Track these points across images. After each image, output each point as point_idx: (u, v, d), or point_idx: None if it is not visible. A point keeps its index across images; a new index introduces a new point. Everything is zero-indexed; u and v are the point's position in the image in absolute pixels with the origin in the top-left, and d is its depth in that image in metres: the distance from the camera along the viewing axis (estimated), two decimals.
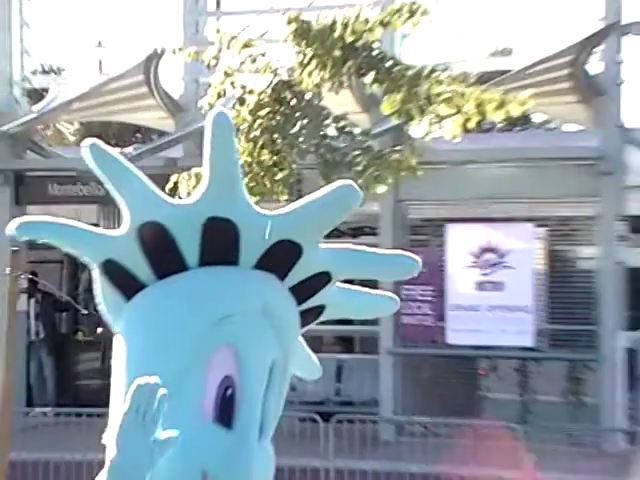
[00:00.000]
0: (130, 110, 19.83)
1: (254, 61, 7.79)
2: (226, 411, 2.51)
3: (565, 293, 17.50)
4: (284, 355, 2.65)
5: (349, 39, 7.64)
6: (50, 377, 20.64)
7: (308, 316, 2.75)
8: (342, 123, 8.32)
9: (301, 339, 2.84)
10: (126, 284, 2.63)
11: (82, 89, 19.84)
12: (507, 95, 8.65)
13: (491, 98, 8.08)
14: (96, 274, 2.65)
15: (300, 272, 2.66)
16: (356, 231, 17.19)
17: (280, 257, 2.62)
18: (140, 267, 2.61)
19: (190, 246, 2.58)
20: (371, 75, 8.20)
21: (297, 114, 7.37)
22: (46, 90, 21.63)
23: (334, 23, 7.67)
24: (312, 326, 2.79)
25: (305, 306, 2.72)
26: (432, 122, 8.21)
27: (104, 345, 18.35)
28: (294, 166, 6.87)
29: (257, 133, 6.80)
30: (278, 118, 7.28)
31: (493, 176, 17.33)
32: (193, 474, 2.48)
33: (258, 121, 6.95)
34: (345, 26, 7.62)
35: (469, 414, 16.72)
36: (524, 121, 17.34)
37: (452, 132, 8.60)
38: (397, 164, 7.71)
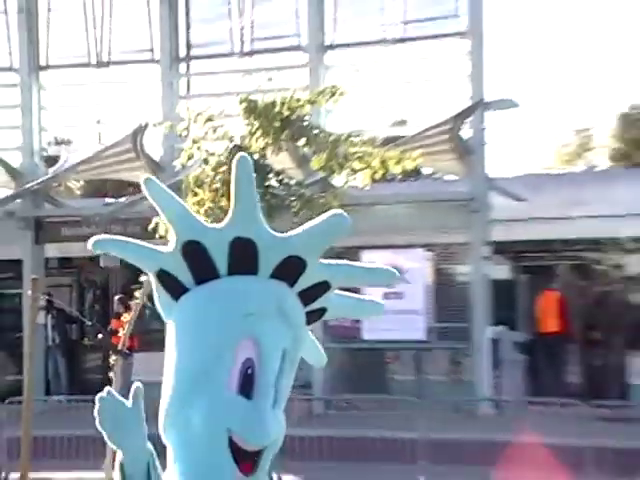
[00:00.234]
0: (122, 170, 19.62)
1: (215, 131, 7.75)
2: (247, 386, 2.53)
3: (447, 299, 17.65)
4: (294, 345, 2.67)
5: (286, 114, 7.63)
6: (63, 373, 20.61)
7: (313, 316, 2.75)
8: (281, 176, 8.26)
9: (310, 334, 2.86)
10: (174, 288, 2.65)
11: (85, 155, 19.74)
12: (403, 154, 8.64)
13: (391, 156, 8.08)
14: (152, 280, 2.68)
15: (305, 281, 2.66)
16: None
17: (289, 269, 2.64)
18: (184, 275, 2.63)
19: (221, 259, 2.60)
20: (302, 140, 8.20)
21: None
22: (58, 157, 21.46)
23: (274, 102, 7.66)
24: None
25: (310, 308, 2.72)
26: (349, 174, 8.19)
27: (104, 348, 18.15)
28: None
29: (218, 185, 6.74)
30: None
31: (394, 213, 17.40)
32: (221, 431, 2.49)
33: (218, 176, 6.90)
34: (283, 104, 7.62)
35: (380, 391, 16.80)
36: (416, 173, 17.43)
37: (363, 182, 8.58)
38: (323, 206, 7.67)
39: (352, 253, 17.68)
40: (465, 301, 17.59)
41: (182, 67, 20.22)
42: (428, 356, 17.96)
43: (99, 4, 20.24)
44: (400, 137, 16.94)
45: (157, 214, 6.89)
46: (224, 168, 7.12)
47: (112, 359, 6.07)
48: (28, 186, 19.60)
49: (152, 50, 20.07)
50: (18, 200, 20.05)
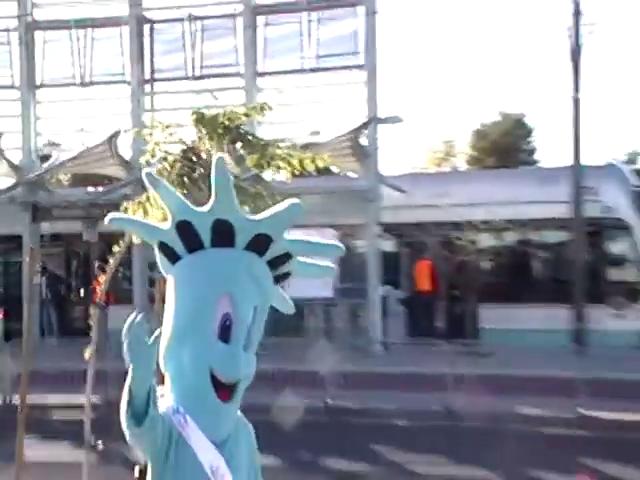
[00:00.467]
0: (101, 166, 19.48)
1: (171, 136, 7.60)
2: (225, 334, 2.52)
3: (349, 267, 17.63)
4: (262, 302, 2.67)
5: (227, 123, 7.53)
6: (54, 321, 20.42)
7: (280, 277, 2.77)
8: None
9: (280, 290, 2.84)
10: (171, 255, 2.65)
11: (71, 155, 19.59)
12: (316, 156, 8.59)
13: (307, 157, 8.01)
14: (155, 248, 2.68)
15: (272, 252, 2.68)
16: None
17: (259, 244, 2.65)
18: (178, 246, 2.63)
19: (206, 235, 2.60)
20: (240, 144, 8.09)
21: (197, 167, 7.20)
22: (50, 156, 21.40)
23: (218, 114, 7.55)
24: None
25: (277, 272, 2.73)
26: (275, 171, 8.12)
27: (85, 302, 17.98)
28: (196, 197, 6.64)
29: (174, 177, 6.59)
30: (186, 169, 7.08)
31: (309, 202, 17.29)
32: (204, 368, 2.49)
33: (174, 170, 6.76)
34: (224, 116, 7.52)
35: (298, 336, 16.77)
36: (327, 171, 17.47)
37: (286, 176, 8.51)
38: (255, 195, 7.62)
39: None
40: (362, 268, 17.68)
41: (147, 87, 20.17)
42: (334, 309, 18.03)
43: (82, 37, 20.12)
44: (314, 143, 16.92)
45: (127, 200, 6.69)
46: (179, 164, 7.00)
47: (91, 310, 5.95)
48: (27, 178, 19.64)
49: (124, 74, 20.02)
50: (19, 189, 19.98)
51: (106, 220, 2.70)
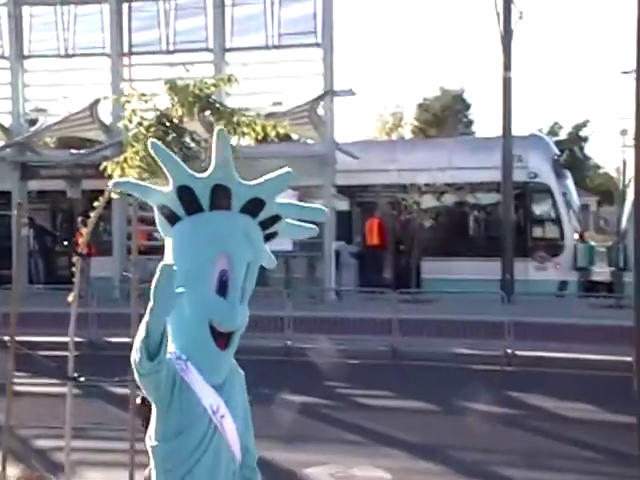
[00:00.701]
0: (83, 130, 19.04)
1: (147, 103, 7.38)
2: (222, 288, 2.49)
3: (306, 222, 17.56)
4: (255, 259, 2.62)
5: (197, 92, 7.30)
6: (41, 269, 20.20)
7: (268, 237, 2.71)
8: (193, 136, 7.94)
9: (267, 248, 2.76)
10: (171, 217, 2.56)
11: (56, 119, 19.24)
12: (278, 123, 8.43)
13: (269, 124, 7.85)
14: (155, 210, 2.58)
15: (263, 214, 2.63)
16: None
17: (253, 207, 2.59)
18: (178, 209, 2.54)
19: (205, 199, 2.52)
20: (209, 112, 7.86)
21: (170, 131, 7.01)
22: (37, 120, 20.97)
23: (189, 84, 7.32)
24: None
25: (267, 232, 2.68)
26: (240, 136, 7.93)
27: (68, 253, 17.73)
28: None
29: (148, 140, 6.40)
30: (160, 133, 6.89)
31: (271, 165, 17.04)
32: (204, 319, 2.46)
33: (149, 134, 6.57)
34: (195, 86, 7.29)
35: (260, 284, 16.63)
36: (287, 137, 17.25)
37: (250, 142, 8.34)
38: None
39: None
40: (319, 225, 17.57)
41: (125, 60, 19.65)
42: (293, 261, 17.95)
43: (66, 13, 19.63)
44: (276, 113, 16.69)
45: (104, 160, 6.46)
46: (153, 129, 6.80)
47: (74, 259, 5.80)
48: (16, 140, 19.26)
49: (104, 47, 19.56)
50: (8, 150, 19.55)
51: (110, 184, 2.63)
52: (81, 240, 6.19)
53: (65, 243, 19.76)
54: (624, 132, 37.48)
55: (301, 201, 3.02)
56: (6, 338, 5.66)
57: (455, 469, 7.05)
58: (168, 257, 2.55)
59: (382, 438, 7.94)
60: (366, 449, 7.55)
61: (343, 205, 19.54)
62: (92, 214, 5.90)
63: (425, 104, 46.27)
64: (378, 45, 74.25)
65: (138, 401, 4.16)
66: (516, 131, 18.31)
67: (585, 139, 51.73)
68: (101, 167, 6.42)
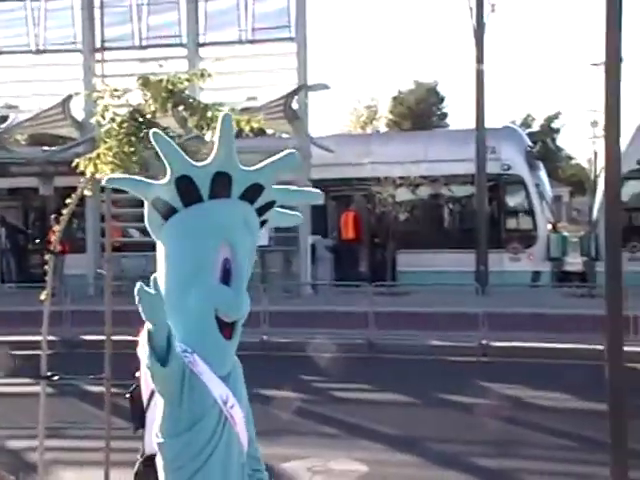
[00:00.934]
0: (55, 127, 18.81)
1: (119, 99, 7.29)
2: (226, 277, 2.44)
3: None
4: (252, 247, 2.57)
5: (170, 87, 7.23)
6: (13, 268, 20.02)
7: (263, 223, 2.63)
8: (167, 131, 7.85)
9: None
10: (166, 211, 2.46)
11: (28, 116, 19.00)
12: (252, 118, 8.36)
13: (243, 119, 7.79)
14: (147, 206, 2.48)
15: (261, 200, 2.55)
16: None
17: (252, 193, 2.51)
18: (175, 200, 2.44)
19: (205, 188, 2.44)
20: (182, 107, 7.78)
21: (143, 126, 6.93)
22: (8, 117, 20.81)
23: (162, 79, 7.24)
24: None
25: (262, 218, 2.60)
26: (213, 131, 7.85)
27: (41, 251, 17.56)
28: (142, 154, 6.42)
29: (121, 136, 6.32)
30: (133, 129, 6.81)
31: (246, 160, 17.04)
32: (210, 311, 2.39)
33: (122, 130, 6.48)
34: (168, 81, 7.22)
35: None
36: (262, 132, 17.19)
37: None
38: (195, 152, 7.37)
39: None
40: None
41: (98, 55, 19.49)
42: (270, 256, 17.91)
43: (37, 8, 19.46)
44: (251, 108, 16.64)
45: (77, 157, 6.38)
46: (126, 124, 6.71)
47: (47, 257, 5.73)
48: None
49: (76, 42, 19.38)
50: None
51: (104, 181, 2.53)
52: (54, 238, 6.12)
53: (37, 241, 19.55)
54: (594, 123, 37.88)
55: None
56: None
57: (431, 460, 7.08)
58: (165, 253, 2.47)
59: (359, 431, 7.96)
60: (343, 442, 7.56)
61: None
62: (65, 211, 5.83)
63: (399, 97, 46.40)
64: (352, 39, 74.27)
65: (127, 396, 4.12)
66: (489, 123, 18.43)
67: (557, 131, 52.21)
68: (73, 164, 6.34)
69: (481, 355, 11.46)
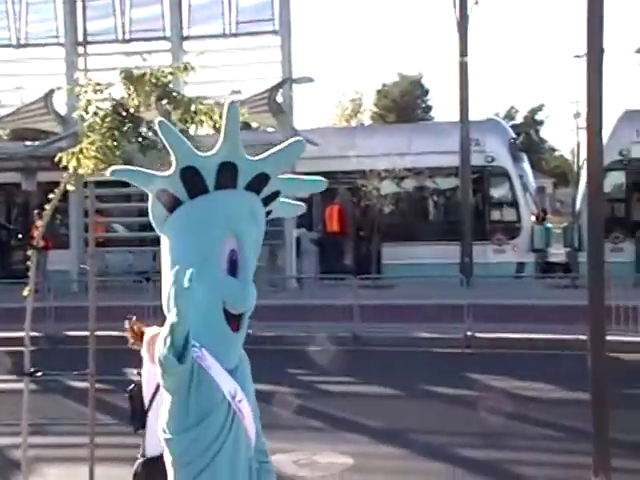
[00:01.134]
0: (37, 122, 18.63)
1: (102, 93, 7.23)
2: (233, 269, 2.43)
3: None
4: (258, 238, 2.56)
5: (153, 81, 7.18)
6: None
7: (268, 213, 2.63)
8: (150, 125, 7.83)
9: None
10: (171, 203, 2.44)
11: (10, 111, 18.76)
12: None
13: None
14: (151, 198, 2.46)
15: (267, 190, 2.54)
16: None
17: (258, 183, 2.51)
18: (180, 192, 2.42)
19: (211, 179, 2.43)
20: (165, 100, 7.73)
21: (126, 120, 6.89)
22: None
23: (145, 73, 7.19)
24: None
25: (267, 208, 2.60)
26: (198, 125, 7.83)
27: (24, 246, 17.40)
28: (126, 148, 6.39)
29: (104, 130, 6.28)
30: (116, 123, 6.77)
31: None
32: (217, 303, 2.39)
33: (105, 124, 6.44)
34: (151, 74, 7.16)
35: None
36: (247, 125, 17.16)
37: (208, 129, 8.23)
38: None
39: None
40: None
41: (80, 49, 19.33)
42: None
43: (18, 1, 19.26)
44: (236, 101, 16.51)
45: (60, 152, 6.31)
46: (109, 118, 6.67)
47: (29, 253, 5.69)
48: None
49: (58, 36, 19.20)
50: None
51: (107, 173, 2.49)
52: (36, 233, 6.07)
53: (20, 237, 19.38)
54: (577, 115, 38.03)
55: None
56: None
57: (417, 452, 7.10)
58: (170, 245, 2.45)
59: (344, 424, 7.96)
60: (329, 435, 7.56)
61: None
62: (48, 206, 5.79)
63: (384, 90, 46.38)
64: (336, 32, 74.09)
65: (126, 395, 4.11)
66: (473, 116, 18.45)
67: (540, 122, 52.43)
68: (56, 159, 6.28)
69: (466, 347, 11.50)
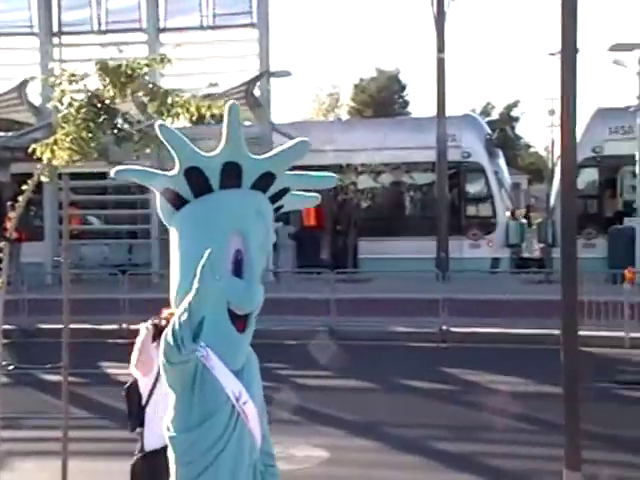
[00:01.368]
0: (11, 112, 18.46)
1: (77, 84, 7.15)
2: (238, 269, 2.44)
3: None
4: (266, 237, 2.57)
5: (129, 72, 7.11)
6: None
7: (276, 210, 2.67)
8: (126, 117, 7.76)
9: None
10: (176, 201, 2.47)
11: None
12: (212, 104, 8.26)
13: (204, 105, 7.70)
14: (158, 196, 2.50)
15: (274, 188, 2.56)
16: None
17: (264, 182, 2.52)
18: (185, 191, 2.45)
19: (215, 179, 2.45)
20: (141, 92, 7.65)
21: (102, 112, 6.82)
22: None
23: (121, 64, 7.12)
24: None
25: (275, 205, 2.63)
26: (174, 117, 7.76)
27: (11, 241, 17.15)
28: (101, 140, 6.33)
29: (79, 122, 6.22)
30: (91, 114, 6.70)
31: (207, 146, 16.90)
32: (222, 303, 2.39)
33: (80, 115, 6.37)
34: (127, 66, 7.10)
35: None
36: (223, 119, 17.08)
37: (185, 122, 8.17)
38: (155, 138, 7.27)
39: None
40: None
41: (55, 40, 19.13)
42: None
43: None
44: (212, 94, 16.47)
45: (34, 143, 6.24)
46: (84, 109, 6.60)
47: (2, 244, 5.64)
48: None
49: (32, 26, 19.03)
50: None
51: (112, 173, 2.49)
52: (9, 224, 6.01)
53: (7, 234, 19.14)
54: (552, 112, 38.36)
55: None
56: None
57: (391, 445, 7.14)
58: (176, 244, 2.46)
59: (320, 417, 7.98)
60: (304, 429, 7.58)
61: None
62: (21, 198, 5.73)
63: (361, 85, 46.39)
64: (314, 25, 74.03)
65: (123, 393, 4.08)
66: (450, 111, 18.53)
67: (516, 119, 52.73)
68: (30, 150, 6.22)
69: (441, 341, 11.57)
